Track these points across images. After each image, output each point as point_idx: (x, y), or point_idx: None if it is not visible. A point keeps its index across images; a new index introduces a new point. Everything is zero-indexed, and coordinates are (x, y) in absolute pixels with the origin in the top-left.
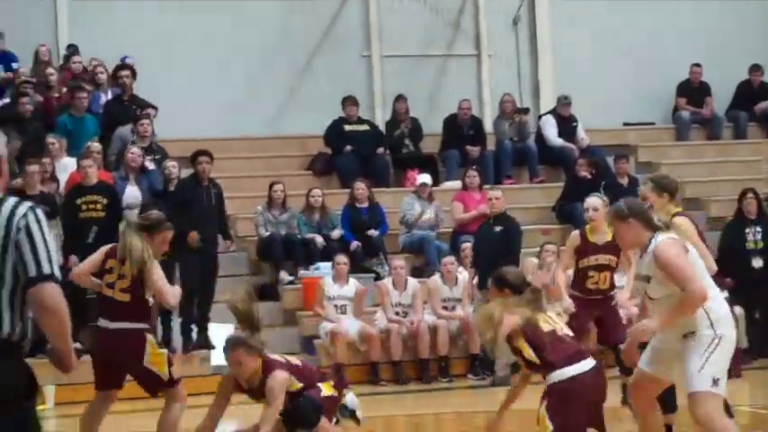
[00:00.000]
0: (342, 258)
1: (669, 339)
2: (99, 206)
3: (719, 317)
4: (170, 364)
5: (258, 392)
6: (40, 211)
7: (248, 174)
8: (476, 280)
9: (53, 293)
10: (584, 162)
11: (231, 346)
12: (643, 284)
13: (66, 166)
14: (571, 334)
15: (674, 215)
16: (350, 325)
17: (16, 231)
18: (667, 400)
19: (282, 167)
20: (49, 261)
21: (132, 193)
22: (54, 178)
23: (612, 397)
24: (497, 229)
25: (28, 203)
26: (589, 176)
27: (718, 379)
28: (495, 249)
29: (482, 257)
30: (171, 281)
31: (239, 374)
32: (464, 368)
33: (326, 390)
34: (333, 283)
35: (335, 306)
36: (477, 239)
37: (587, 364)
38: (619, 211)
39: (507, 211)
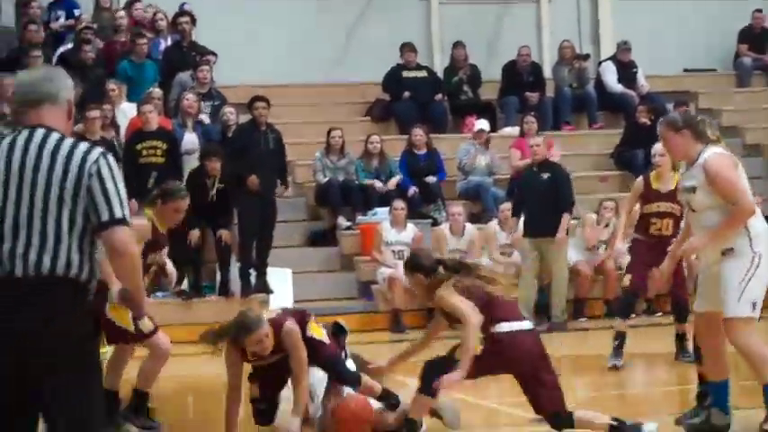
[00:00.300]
0: (399, 204)
1: (709, 264)
2: (159, 152)
3: (758, 233)
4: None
5: (271, 355)
6: (111, 157)
7: (306, 120)
8: (520, 228)
9: (124, 237)
10: (644, 109)
11: (257, 327)
12: (687, 196)
13: (126, 112)
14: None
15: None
16: None
17: (88, 177)
18: (680, 311)
19: (341, 114)
20: (121, 205)
21: (190, 140)
22: (114, 124)
23: (665, 346)
24: (544, 176)
25: (99, 149)
26: (649, 123)
27: (755, 303)
28: (543, 197)
29: (529, 205)
30: (229, 226)
31: (263, 349)
32: None
33: (316, 332)
34: (390, 228)
35: (393, 252)
36: (522, 187)
37: (527, 324)
38: (673, 122)
39: (565, 158)
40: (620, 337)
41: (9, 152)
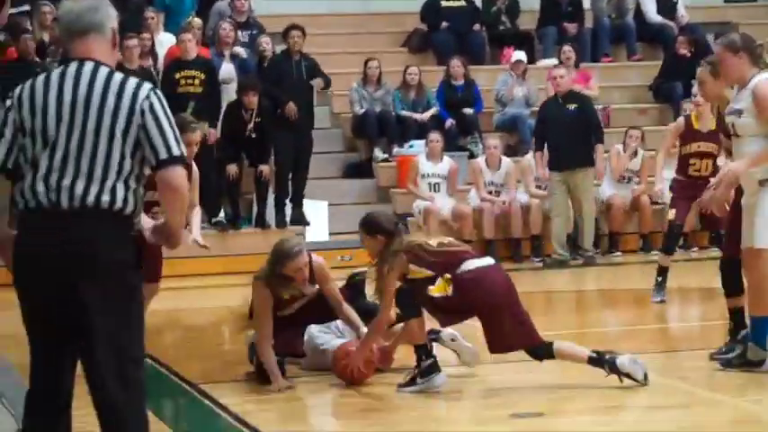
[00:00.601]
0: (436, 136)
1: (748, 196)
2: (197, 81)
3: None
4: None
5: (301, 297)
6: (160, 93)
7: (344, 50)
8: (545, 162)
9: (181, 174)
10: (684, 40)
11: (298, 253)
12: (732, 119)
13: (163, 42)
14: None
15: None
16: (443, 203)
17: (140, 113)
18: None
19: (378, 44)
20: (177, 142)
21: (227, 70)
22: (152, 53)
23: (701, 281)
24: (571, 107)
25: (148, 85)
26: (689, 55)
27: None
28: (569, 129)
29: (554, 138)
30: (265, 159)
31: (302, 281)
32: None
33: None
34: (426, 160)
35: (429, 184)
36: (546, 120)
37: (487, 260)
38: (731, 43)
39: (603, 90)
40: (663, 273)
41: (60, 85)
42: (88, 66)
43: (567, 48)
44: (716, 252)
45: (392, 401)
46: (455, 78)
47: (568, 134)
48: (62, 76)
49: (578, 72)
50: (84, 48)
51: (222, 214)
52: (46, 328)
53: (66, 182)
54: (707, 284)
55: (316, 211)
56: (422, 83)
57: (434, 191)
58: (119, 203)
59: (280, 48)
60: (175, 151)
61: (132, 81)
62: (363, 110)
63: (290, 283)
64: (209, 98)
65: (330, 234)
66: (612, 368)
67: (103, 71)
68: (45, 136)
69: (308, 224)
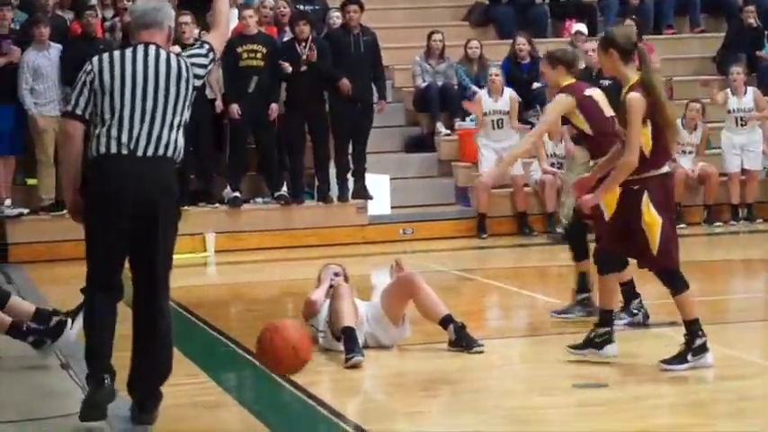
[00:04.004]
0: (493, 70)
1: None
2: (259, 55)
3: None
4: None
5: None
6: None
7: (405, 24)
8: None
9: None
10: (752, 9)
11: None
12: None
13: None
14: None
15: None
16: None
17: (186, 80)
18: None
19: (439, 18)
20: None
21: None
22: None
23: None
24: (605, 83)
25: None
26: (755, 25)
27: None
28: None
29: None
30: (323, 136)
31: None
32: None
33: None
34: (488, 97)
35: (492, 121)
36: None
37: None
38: None
39: (666, 62)
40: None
41: (133, 60)
42: (151, 48)
43: (629, 20)
44: None
45: (452, 374)
46: (521, 58)
47: None
48: (133, 53)
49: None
50: (148, 37)
51: (285, 188)
52: (119, 236)
53: (143, 134)
54: None
55: (378, 184)
56: (483, 56)
57: (497, 127)
58: (178, 152)
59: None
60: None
61: (181, 59)
62: (426, 83)
63: None
64: (271, 73)
65: (392, 207)
66: (597, 338)
67: (162, 52)
68: (122, 97)
69: (370, 198)
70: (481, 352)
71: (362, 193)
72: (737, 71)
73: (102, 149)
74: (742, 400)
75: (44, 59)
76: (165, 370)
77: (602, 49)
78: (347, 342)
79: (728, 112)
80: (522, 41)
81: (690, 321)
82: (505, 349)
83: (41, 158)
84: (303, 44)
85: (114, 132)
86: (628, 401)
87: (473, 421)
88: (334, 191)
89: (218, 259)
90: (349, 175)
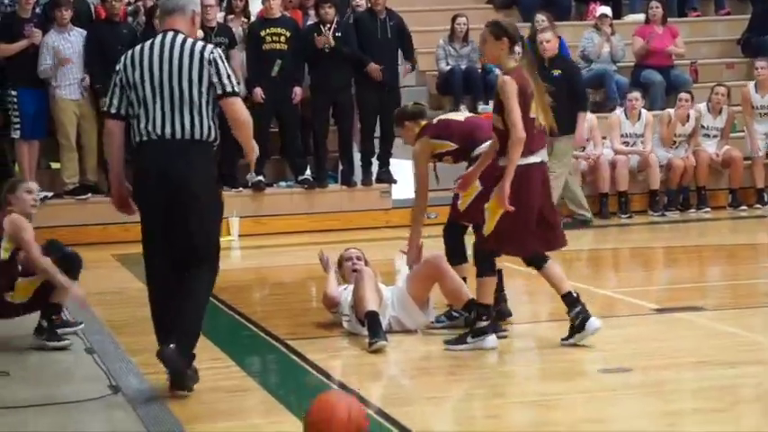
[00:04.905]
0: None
1: None
2: (282, 38)
3: None
4: None
5: None
6: (219, 50)
7: (429, 8)
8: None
9: (240, 106)
10: None
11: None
12: None
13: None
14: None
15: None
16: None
17: (208, 64)
18: None
19: (462, 1)
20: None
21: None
22: (245, 12)
23: None
24: (555, 73)
25: (210, 46)
26: None
27: None
28: (554, 95)
29: None
30: (348, 119)
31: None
32: (643, 204)
33: None
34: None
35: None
36: None
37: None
38: None
39: (690, 45)
40: None
41: (151, 51)
42: (168, 36)
43: (654, 2)
44: None
45: (476, 358)
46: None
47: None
48: (152, 44)
49: (666, 28)
50: (171, 22)
51: (308, 172)
52: (163, 216)
53: (176, 118)
54: None
55: (401, 169)
56: None
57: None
58: (211, 134)
59: None
60: (228, 88)
61: (200, 43)
62: (449, 67)
63: None
64: (295, 56)
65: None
66: (576, 320)
67: (181, 37)
68: (146, 88)
69: (394, 182)
70: (505, 337)
71: (386, 177)
72: (762, 65)
73: (137, 139)
74: (765, 384)
75: (65, 41)
76: (194, 317)
77: (494, 37)
78: (371, 327)
79: (752, 108)
80: (540, 17)
81: (481, 305)
82: (529, 334)
83: (63, 142)
84: (328, 27)
85: (143, 122)
86: (651, 386)
87: (498, 405)
88: (357, 175)
89: (242, 243)
90: (373, 159)
